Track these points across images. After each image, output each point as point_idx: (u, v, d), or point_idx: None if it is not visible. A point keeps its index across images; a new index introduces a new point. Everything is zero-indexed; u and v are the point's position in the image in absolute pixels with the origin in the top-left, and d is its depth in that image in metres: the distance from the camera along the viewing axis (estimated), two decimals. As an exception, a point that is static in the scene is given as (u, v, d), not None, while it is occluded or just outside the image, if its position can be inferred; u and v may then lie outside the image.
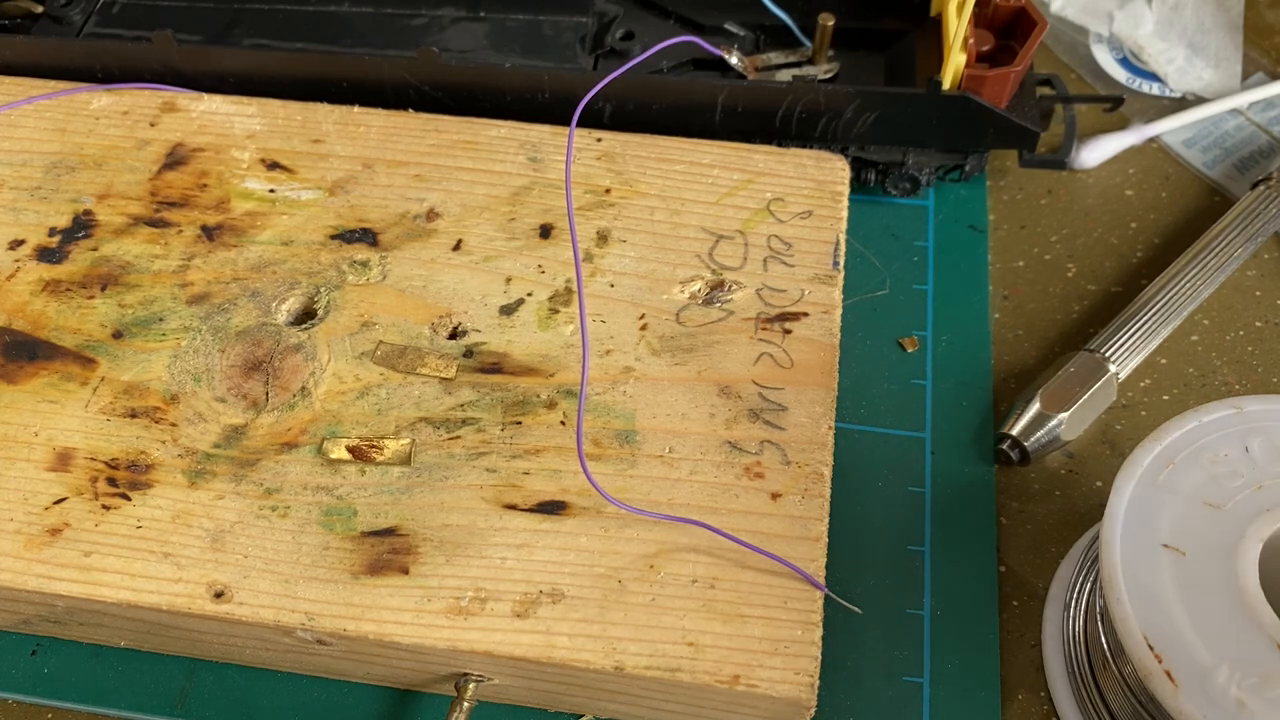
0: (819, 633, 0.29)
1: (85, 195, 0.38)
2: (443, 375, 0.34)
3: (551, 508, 0.31)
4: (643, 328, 0.35)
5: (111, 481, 0.32)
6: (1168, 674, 0.26)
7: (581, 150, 0.39)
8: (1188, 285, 0.40)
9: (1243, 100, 0.48)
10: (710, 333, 0.35)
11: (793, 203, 0.38)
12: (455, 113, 0.40)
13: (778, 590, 0.30)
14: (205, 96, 0.40)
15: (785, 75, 0.43)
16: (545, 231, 0.37)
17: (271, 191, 0.38)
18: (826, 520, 0.31)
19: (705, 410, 0.33)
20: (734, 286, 0.36)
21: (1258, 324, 0.41)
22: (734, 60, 0.42)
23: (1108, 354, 0.38)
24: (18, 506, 0.31)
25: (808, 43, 0.44)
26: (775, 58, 0.43)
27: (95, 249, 0.37)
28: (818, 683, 0.28)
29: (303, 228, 0.37)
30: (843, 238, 0.37)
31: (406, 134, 0.39)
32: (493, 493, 0.31)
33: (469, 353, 0.34)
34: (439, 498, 0.31)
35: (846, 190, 0.38)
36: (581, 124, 0.40)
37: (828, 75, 0.43)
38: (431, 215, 0.37)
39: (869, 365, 0.40)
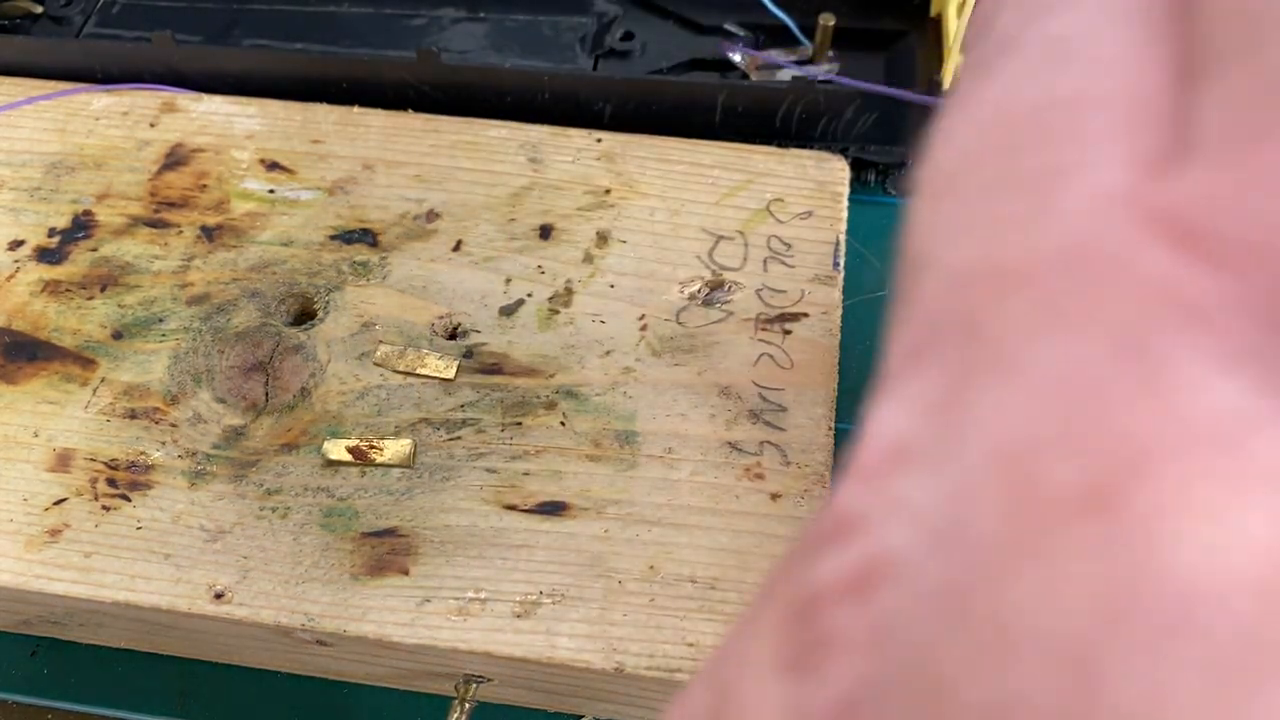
0: (819, 633, 0.29)
1: (85, 196, 0.38)
2: (443, 376, 0.34)
3: (551, 508, 0.31)
4: (643, 328, 0.35)
5: (111, 482, 0.32)
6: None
7: (582, 150, 0.39)
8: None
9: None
10: (710, 333, 0.35)
11: (793, 203, 0.38)
12: (455, 113, 0.40)
13: (778, 591, 0.30)
14: (205, 97, 0.40)
15: (785, 75, 0.43)
16: (545, 232, 0.37)
17: (271, 192, 0.38)
18: (826, 521, 0.31)
19: (705, 411, 0.33)
20: (734, 287, 0.36)
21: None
22: (737, 59, 0.42)
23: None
24: (17, 507, 0.31)
25: (808, 43, 0.44)
26: (776, 57, 0.43)
27: (95, 249, 0.37)
28: (818, 683, 0.28)
29: (303, 228, 0.37)
30: (843, 238, 0.37)
31: (406, 134, 0.39)
32: (493, 493, 0.31)
33: (469, 353, 0.34)
34: (439, 498, 0.31)
35: (846, 191, 0.38)
36: (581, 124, 0.40)
37: (828, 76, 0.43)
38: (431, 215, 0.37)
39: (869, 365, 0.40)
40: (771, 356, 0.34)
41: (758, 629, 0.09)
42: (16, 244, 0.37)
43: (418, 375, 0.34)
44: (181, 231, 0.37)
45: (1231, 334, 0.07)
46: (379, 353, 0.34)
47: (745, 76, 0.42)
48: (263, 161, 0.39)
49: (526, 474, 0.32)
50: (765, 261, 0.36)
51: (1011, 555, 0.07)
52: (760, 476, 0.32)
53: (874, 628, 0.08)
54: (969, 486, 0.07)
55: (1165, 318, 0.07)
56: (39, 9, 0.44)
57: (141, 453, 0.32)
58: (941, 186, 0.09)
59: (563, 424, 0.33)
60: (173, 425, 0.33)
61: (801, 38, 0.44)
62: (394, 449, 0.32)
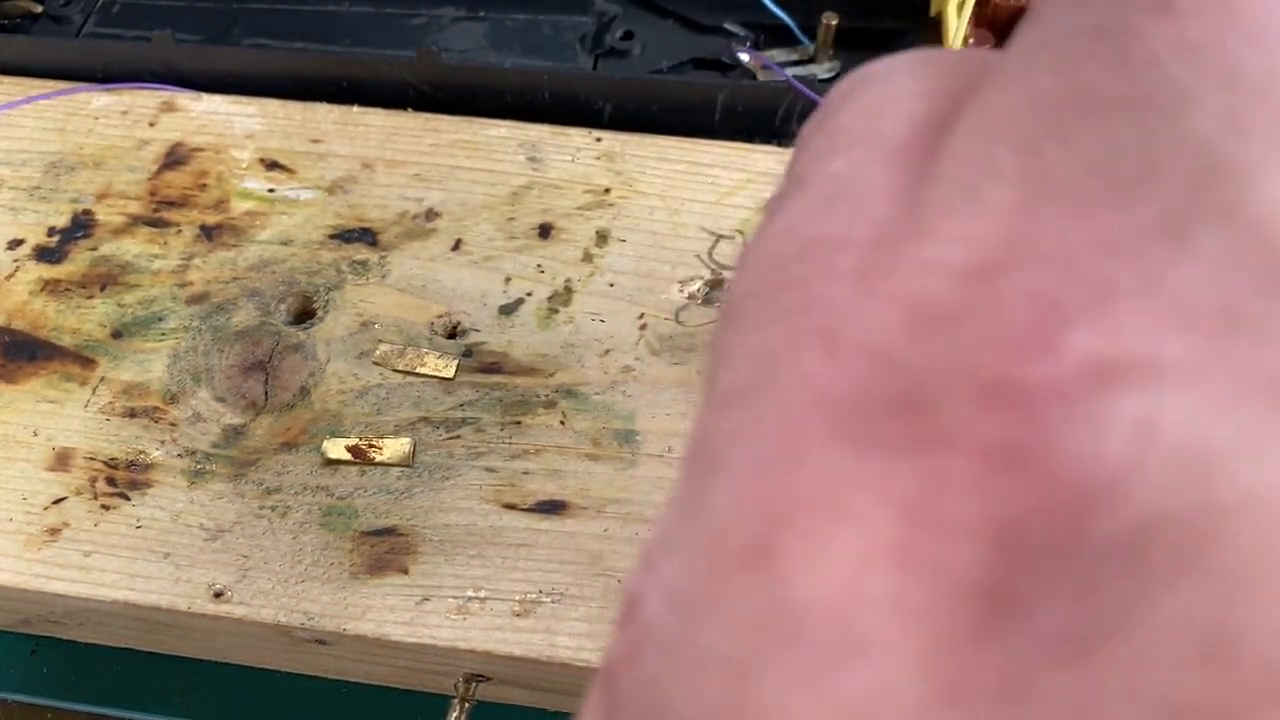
0: (819, 632, 0.29)
1: (84, 195, 0.38)
2: (442, 375, 0.34)
3: (551, 508, 0.31)
4: (642, 328, 0.35)
5: (111, 481, 0.32)
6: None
7: (581, 150, 0.39)
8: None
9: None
10: (710, 332, 0.35)
11: (792, 202, 0.37)
12: (455, 113, 0.40)
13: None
14: (205, 96, 0.40)
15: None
16: (545, 231, 0.37)
17: (271, 191, 0.38)
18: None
19: (705, 410, 0.33)
20: (734, 286, 0.36)
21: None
22: (746, 59, 0.42)
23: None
24: (17, 506, 0.31)
25: (808, 42, 0.44)
26: (777, 57, 0.43)
27: (94, 249, 0.37)
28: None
29: (302, 227, 0.37)
30: (842, 237, 0.37)
31: (406, 134, 0.39)
32: (492, 492, 0.31)
33: (468, 352, 0.34)
34: (438, 498, 0.31)
35: (846, 190, 0.38)
36: (581, 124, 0.40)
37: (829, 75, 0.43)
38: (431, 215, 0.37)
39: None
40: (771, 356, 0.34)
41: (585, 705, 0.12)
42: (16, 243, 0.37)
43: (417, 374, 0.34)
44: (181, 231, 0.37)
45: (850, 414, 0.10)
46: (378, 352, 0.34)
47: (753, 77, 0.42)
48: (262, 161, 0.39)
49: (526, 473, 0.32)
50: (765, 261, 0.36)
51: (707, 601, 0.10)
52: (760, 475, 0.32)
53: (638, 682, 0.10)
54: (690, 558, 0.10)
55: (809, 411, 0.10)
56: (39, 8, 0.44)
57: (141, 452, 0.32)
58: (730, 312, 0.12)
59: (562, 423, 0.33)
60: (172, 424, 0.33)
61: (802, 37, 0.44)
62: (393, 448, 0.32)
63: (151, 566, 0.30)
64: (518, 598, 0.29)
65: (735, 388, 0.11)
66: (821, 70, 0.43)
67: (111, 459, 0.32)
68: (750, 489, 0.10)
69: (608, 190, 0.38)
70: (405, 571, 0.30)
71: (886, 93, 0.12)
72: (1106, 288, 0.09)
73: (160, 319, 0.35)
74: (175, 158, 0.39)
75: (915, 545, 0.09)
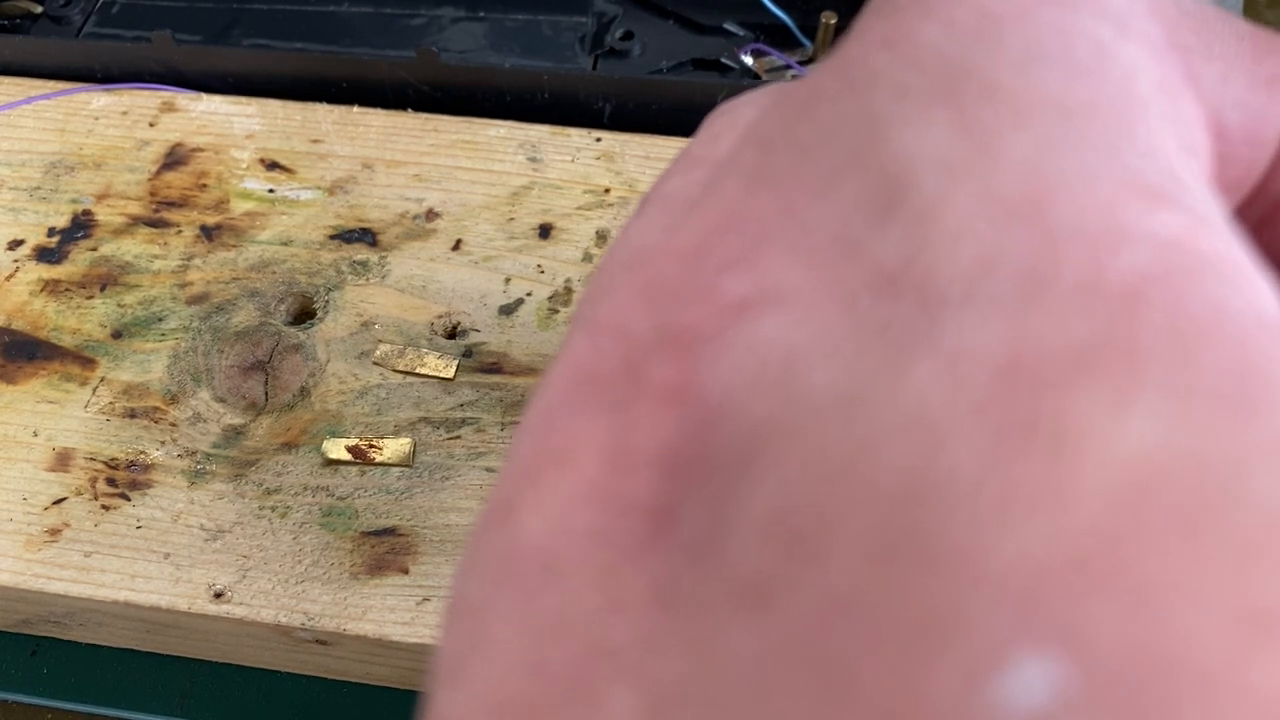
0: (819, 632, 0.29)
1: (84, 195, 0.38)
2: (442, 375, 0.34)
3: (551, 507, 0.31)
4: (642, 327, 0.35)
5: (111, 481, 0.32)
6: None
7: (581, 150, 0.39)
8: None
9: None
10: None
11: (792, 202, 0.37)
12: (455, 112, 0.40)
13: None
14: (205, 96, 0.40)
15: (788, 76, 0.43)
16: (545, 231, 0.37)
17: (271, 191, 0.38)
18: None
19: (705, 410, 0.33)
20: (734, 286, 0.35)
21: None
22: (750, 62, 0.42)
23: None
24: (17, 507, 0.31)
25: (808, 43, 0.44)
26: (775, 61, 0.43)
27: (94, 249, 0.37)
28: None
29: (302, 228, 0.37)
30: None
31: (406, 134, 0.39)
32: (492, 493, 0.31)
33: (468, 353, 0.34)
34: (439, 498, 0.31)
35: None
36: (581, 124, 0.40)
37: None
38: (431, 215, 0.37)
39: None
40: (771, 356, 0.34)
41: None
42: (16, 244, 0.37)
43: (417, 374, 0.34)
44: (181, 231, 0.37)
45: (591, 382, 0.11)
46: (378, 352, 0.34)
47: (755, 77, 0.42)
48: (262, 161, 0.39)
49: (526, 473, 0.32)
50: (765, 261, 0.36)
51: (470, 561, 0.11)
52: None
53: (438, 650, 0.12)
54: (473, 532, 0.11)
55: (564, 386, 0.11)
56: (39, 9, 0.44)
57: (141, 452, 0.32)
58: (579, 305, 0.13)
59: (562, 423, 0.33)
60: (172, 425, 0.33)
61: (802, 38, 0.44)
62: (393, 448, 0.32)
63: (152, 567, 0.30)
64: (518, 598, 0.29)
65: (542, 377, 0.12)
66: (821, 70, 0.43)
67: (112, 459, 0.32)
68: (514, 462, 0.11)
69: (608, 190, 0.38)
70: (406, 572, 0.30)
71: (730, 121, 0.14)
72: (764, 241, 0.11)
73: (160, 319, 0.35)
74: (175, 158, 0.39)
75: (609, 482, 0.10)
